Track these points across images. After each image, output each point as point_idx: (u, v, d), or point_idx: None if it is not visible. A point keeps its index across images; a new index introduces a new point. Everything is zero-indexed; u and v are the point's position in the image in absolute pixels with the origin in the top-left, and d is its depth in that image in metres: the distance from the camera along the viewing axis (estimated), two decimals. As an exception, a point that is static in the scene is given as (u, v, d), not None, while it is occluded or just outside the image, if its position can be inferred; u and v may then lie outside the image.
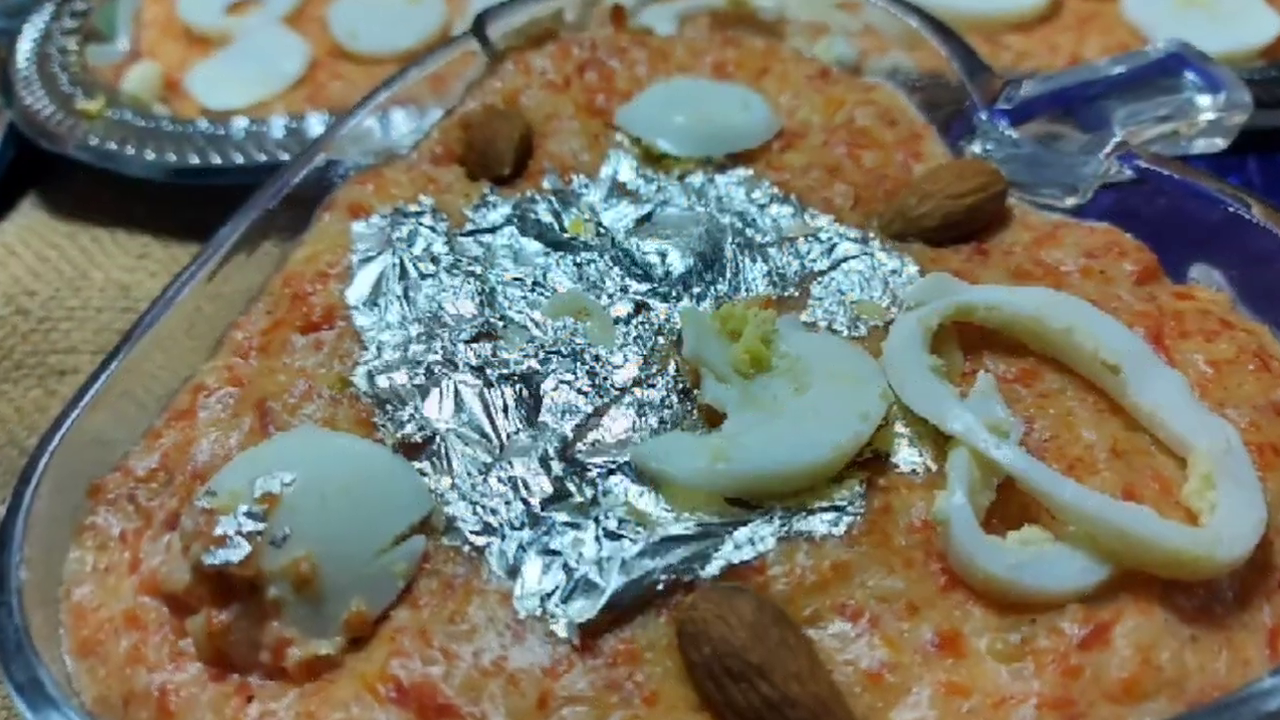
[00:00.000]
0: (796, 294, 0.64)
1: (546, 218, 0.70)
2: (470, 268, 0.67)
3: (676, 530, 0.52)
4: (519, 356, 0.61)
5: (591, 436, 0.57)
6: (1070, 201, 0.69)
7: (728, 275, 0.66)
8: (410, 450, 0.57)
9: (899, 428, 0.56)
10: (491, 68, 0.82)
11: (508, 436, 0.58)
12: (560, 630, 0.50)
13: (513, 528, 0.54)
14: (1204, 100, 0.69)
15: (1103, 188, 0.68)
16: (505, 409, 0.59)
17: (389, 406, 0.59)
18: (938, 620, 0.50)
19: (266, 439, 0.58)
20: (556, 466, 0.56)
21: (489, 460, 0.57)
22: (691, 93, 0.78)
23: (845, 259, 0.66)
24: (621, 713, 0.48)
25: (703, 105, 0.76)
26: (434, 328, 0.63)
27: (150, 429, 0.61)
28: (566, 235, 0.69)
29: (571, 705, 0.48)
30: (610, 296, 0.65)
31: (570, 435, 0.57)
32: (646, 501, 0.54)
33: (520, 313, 0.64)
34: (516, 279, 0.66)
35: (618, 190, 0.72)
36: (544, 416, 0.58)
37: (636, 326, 0.63)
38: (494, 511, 0.55)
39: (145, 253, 0.93)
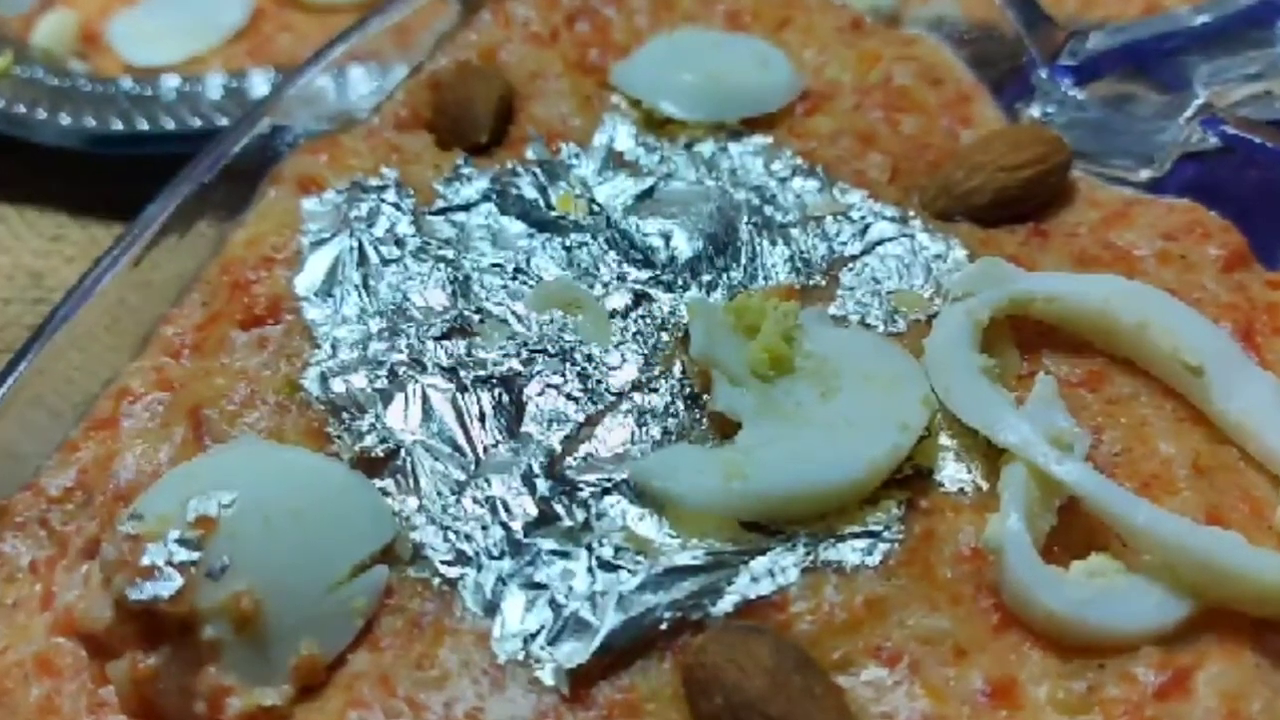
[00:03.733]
0: (824, 283, 0.64)
1: (530, 193, 0.70)
2: (441, 252, 0.67)
3: (683, 560, 0.52)
4: (498, 356, 0.61)
5: (583, 450, 0.57)
6: (1145, 174, 0.69)
7: (743, 261, 0.66)
8: (370, 466, 0.57)
9: (944, 439, 0.56)
10: (466, 18, 0.82)
11: (485, 450, 0.58)
12: (547, 677, 0.50)
13: (491, 557, 0.54)
14: (1302, 56, 0.69)
15: (1183, 158, 0.69)
16: (482, 417, 0.59)
17: (345, 414, 0.59)
18: (989, 665, 0.50)
19: (202, 453, 0.58)
20: (542, 485, 0.56)
21: (463, 478, 0.57)
22: (701, 47, 0.78)
23: (881, 241, 0.66)
24: (618, 774, 0.48)
25: (714, 61, 0.76)
26: (398, 322, 0.63)
27: (66, 441, 0.61)
28: (554, 214, 0.69)
29: (560, 765, 0.48)
30: (605, 286, 0.65)
31: (558, 448, 0.57)
32: (648, 526, 0.54)
33: (499, 305, 0.64)
34: (495, 265, 0.66)
35: (614, 161, 0.72)
36: (527, 426, 0.58)
37: (636, 321, 0.63)
38: (469, 538, 0.55)
39: (60, 234, 0.93)
